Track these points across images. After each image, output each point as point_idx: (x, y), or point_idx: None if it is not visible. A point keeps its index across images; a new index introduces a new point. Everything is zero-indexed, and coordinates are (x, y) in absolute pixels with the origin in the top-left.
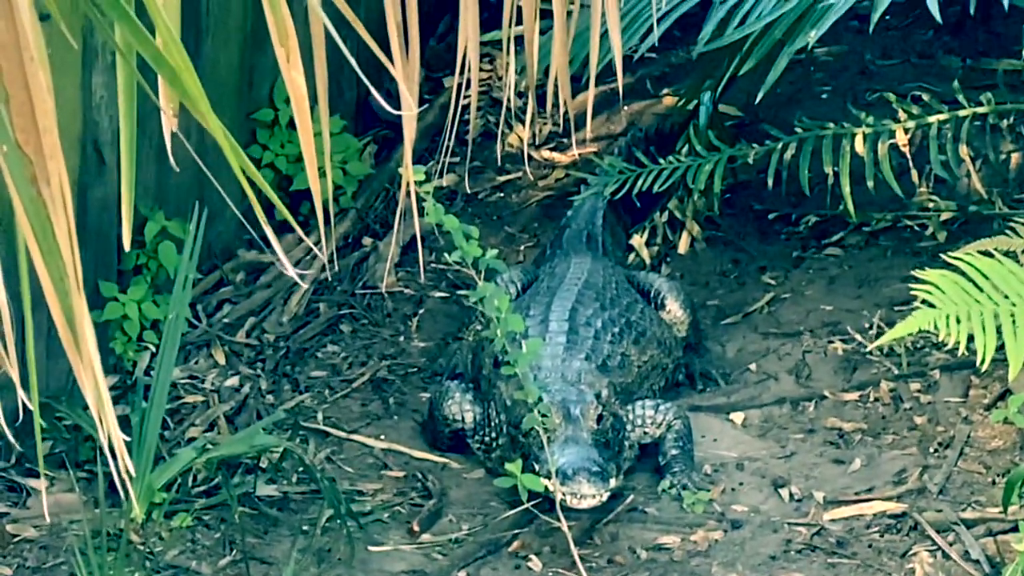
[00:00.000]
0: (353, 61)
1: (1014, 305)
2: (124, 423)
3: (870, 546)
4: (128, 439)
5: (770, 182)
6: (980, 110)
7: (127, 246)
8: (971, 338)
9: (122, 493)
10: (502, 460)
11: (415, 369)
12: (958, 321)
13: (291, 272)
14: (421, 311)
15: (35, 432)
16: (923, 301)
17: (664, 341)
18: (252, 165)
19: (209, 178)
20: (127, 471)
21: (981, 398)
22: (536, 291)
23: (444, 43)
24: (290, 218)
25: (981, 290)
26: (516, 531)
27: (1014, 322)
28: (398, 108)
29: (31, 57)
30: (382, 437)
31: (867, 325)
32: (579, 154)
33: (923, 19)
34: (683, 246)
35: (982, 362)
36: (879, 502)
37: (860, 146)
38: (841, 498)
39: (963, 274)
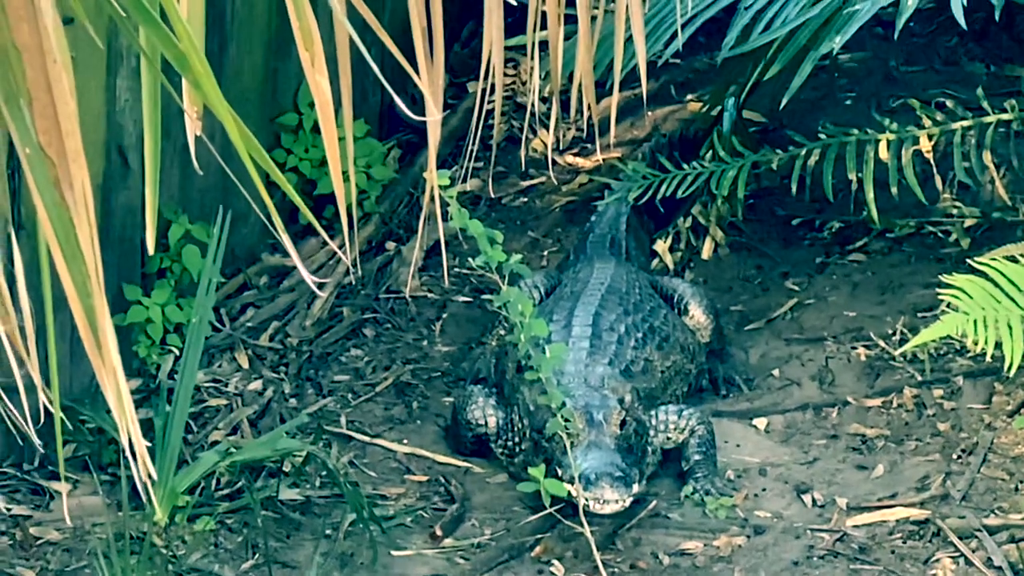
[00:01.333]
0: (376, 68)
1: None
2: (148, 426)
3: (893, 552)
4: (150, 444)
5: (794, 188)
6: (1004, 117)
7: (151, 249)
8: (998, 344)
9: (144, 497)
10: (525, 465)
11: (438, 373)
12: (985, 326)
13: (309, 280)
14: (444, 315)
15: (56, 435)
16: (949, 305)
17: (687, 346)
18: (276, 169)
19: (233, 182)
20: (148, 475)
21: (1004, 404)
22: (559, 296)
23: (468, 48)
24: (315, 222)
25: (1008, 295)
26: (539, 536)
27: None
28: (423, 113)
29: (54, 60)
30: (405, 441)
31: (890, 331)
32: (603, 159)
33: (948, 25)
34: (706, 252)
35: (1009, 367)
36: (902, 508)
37: (884, 152)
38: (864, 504)
39: (990, 279)
